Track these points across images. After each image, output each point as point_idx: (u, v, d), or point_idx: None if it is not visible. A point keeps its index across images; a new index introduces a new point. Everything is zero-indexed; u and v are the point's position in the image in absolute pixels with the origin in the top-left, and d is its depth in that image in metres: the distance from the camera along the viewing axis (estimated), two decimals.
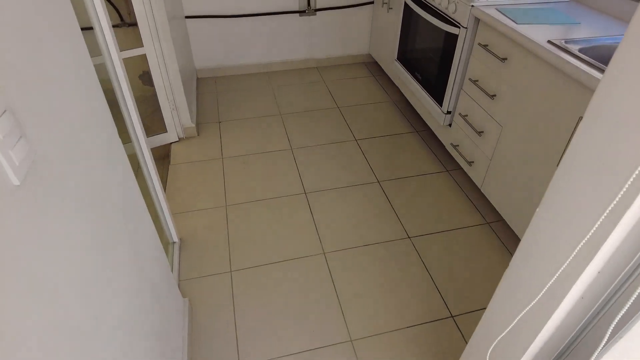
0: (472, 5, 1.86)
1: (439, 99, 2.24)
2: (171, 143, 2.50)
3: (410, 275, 1.74)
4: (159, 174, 1.65)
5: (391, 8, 2.77)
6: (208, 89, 3.07)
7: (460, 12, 1.93)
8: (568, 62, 1.38)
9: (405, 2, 2.47)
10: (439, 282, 1.72)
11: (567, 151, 0.72)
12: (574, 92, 1.40)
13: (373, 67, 3.38)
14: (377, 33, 3.15)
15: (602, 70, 1.31)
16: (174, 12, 2.45)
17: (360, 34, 3.28)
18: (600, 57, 1.53)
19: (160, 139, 2.45)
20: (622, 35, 1.42)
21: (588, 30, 1.65)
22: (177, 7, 2.61)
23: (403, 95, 2.94)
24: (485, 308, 1.22)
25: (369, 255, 1.83)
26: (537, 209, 0.81)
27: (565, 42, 1.51)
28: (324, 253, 1.83)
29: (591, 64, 1.35)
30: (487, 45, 1.84)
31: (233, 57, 3.16)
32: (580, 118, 1.33)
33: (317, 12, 3.09)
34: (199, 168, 2.32)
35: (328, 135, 2.59)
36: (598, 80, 1.28)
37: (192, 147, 2.48)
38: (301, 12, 3.06)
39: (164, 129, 2.43)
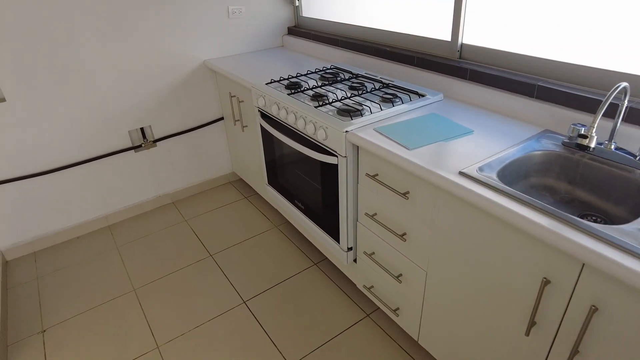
0: (346, 131, 1.49)
1: (334, 234, 1.80)
2: None
3: None
4: None
5: (246, 126, 2.34)
6: (24, 276, 2.20)
7: (333, 138, 1.55)
8: (497, 203, 1.03)
9: (260, 125, 2.06)
10: None
11: None
12: (510, 232, 1.04)
13: (241, 185, 2.89)
14: (237, 150, 2.69)
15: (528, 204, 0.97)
16: None
17: (217, 152, 2.78)
18: (517, 176, 1.23)
19: None
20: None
21: (487, 140, 1.37)
22: None
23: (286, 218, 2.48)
24: None
25: None
26: None
27: (479, 170, 1.18)
28: None
29: (518, 198, 1.02)
30: (376, 175, 1.46)
31: (56, 220, 2.37)
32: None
33: (157, 143, 2.52)
34: None
35: (206, 309, 1.93)
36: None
37: None
38: (136, 148, 2.45)
39: None
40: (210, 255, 2.26)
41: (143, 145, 2.46)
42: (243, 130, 2.34)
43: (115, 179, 2.46)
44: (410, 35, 1.97)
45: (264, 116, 2.00)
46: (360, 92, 1.81)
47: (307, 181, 1.85)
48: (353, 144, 1.51)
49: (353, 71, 2.07)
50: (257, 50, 2.67)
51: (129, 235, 2.45)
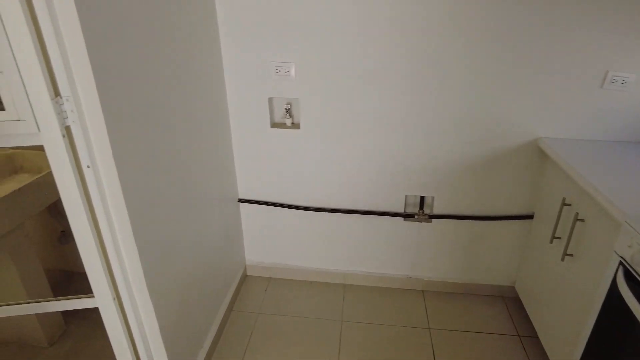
0: None
1: None
2: None
3: None
4: None
5: (571, 255, 1.50)
6: (250, 303, 2.07)
7: None
8: None
9: (614, 284, 1.20)
10: None
11: None
12: None
13: (517, 311, 2.04)
14: (534, 269, 1.87)
15: None
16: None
17: (501, 256, 2.03)
18: None
19: None
20: None
21: None
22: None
23: None
24: None
25: None
26: None
27: None
28: None
29: None
30: None
31: (297, 255, 2.17)
32: None
33: (433, 219, 1.97)
34: None
35: None
36: None
37: None
38: (407, 216, 1.98)
39: None
40: None
41: (416, 216, 1.96)
42: (563, 259, 1.51)
43: (370, 239, 2.07)
44: None
45: (630, 277, 1.14)
46: None
47: None
48: None
49: None
50: (628, 142, 1.75)
51: (359, 303, 2.04)
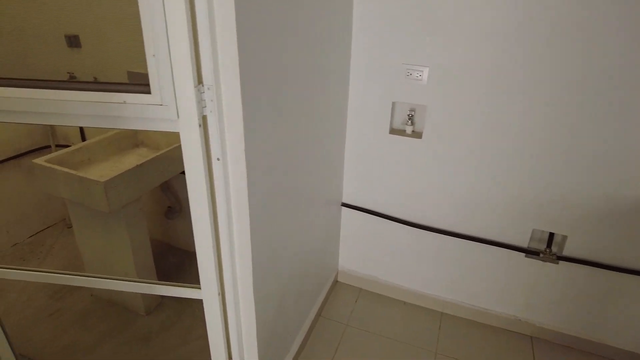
0: None
1: None
2: None
3: None
4: None
5: None
6: (340, 310, 1.98)
7: None
8: None
9: None
10: None
11: None
12: None
13: None
14: None
15: None
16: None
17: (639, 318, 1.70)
18: None
19: None
20: None
21: None
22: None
23: None
24: None
25: None
26: None
27: None
28: None
29: None
30: None
31: (393, 272, 2.02)
32: None
33: (560, 261, 1.70)
34: None
35: None
36: None
37: None
38: (531, 253, 1.73)
39: None
40: None
41: (542, 254, 1.70)
42: None
43: (481, 269, 1.85)
44: None
45: None
46: None
47: None
48: None
49: None
50: None
51: (457, 336, 1.85)
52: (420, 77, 1.60)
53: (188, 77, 0.91)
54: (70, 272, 1.29)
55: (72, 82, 1.03)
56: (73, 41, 2.07)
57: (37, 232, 2.54)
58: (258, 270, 1.23)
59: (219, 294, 1.21)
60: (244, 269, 1.19)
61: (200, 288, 1.21)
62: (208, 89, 0.96)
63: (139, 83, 0.96)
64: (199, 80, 0.94)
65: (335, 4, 1.43)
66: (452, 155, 1.68)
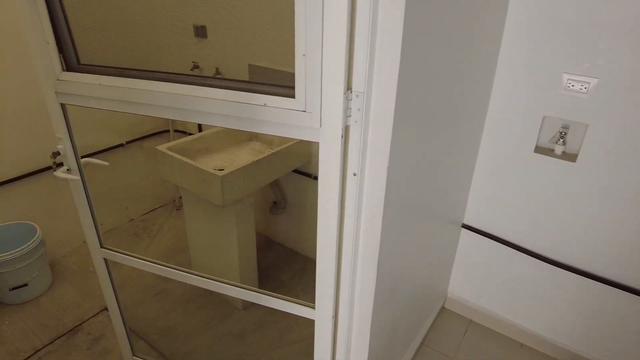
0: None
1: None
2: None
3: None
4: None
5: None
6: (452, 331, 1.78)
7: None
8: None
9: None
10: None
11: None
12: None
13: None
14: None
15: None
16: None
17: None
18: None
19: None
20: None
21: None
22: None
23: None
24: None
25: None
26: None
27: None
28: None
29: None
30: None
31: (504, 306, 1.77)
32: None
33: None
34: None
35: None
36: None
37: None
38: None
39: None
40: None
41: None
42: None
43: (627, 326, 1.53)
44: None
45: None
46: None
47: None
48: None
49: None
50: None
51: None
52: (584, 90, 1.33)
53: (338, 82, 0.80)
54: (185, 270, 1.28)
55: (208, 78, 0.98)
56: (200, 32, 2.11)
57: (150, 211, 2.69)
58: (379, 296, 1.10)
59: (333, 317, 1.10)
60: (366, 293, 1.07)
61: (313, 307, 1.11)
62: (357, 96, 0.83)
63: (283, 85, 0.87)
64: (348, 86, 0.82)
65: (490, 1, 1.23)
66: (617, 187, 1.39)
